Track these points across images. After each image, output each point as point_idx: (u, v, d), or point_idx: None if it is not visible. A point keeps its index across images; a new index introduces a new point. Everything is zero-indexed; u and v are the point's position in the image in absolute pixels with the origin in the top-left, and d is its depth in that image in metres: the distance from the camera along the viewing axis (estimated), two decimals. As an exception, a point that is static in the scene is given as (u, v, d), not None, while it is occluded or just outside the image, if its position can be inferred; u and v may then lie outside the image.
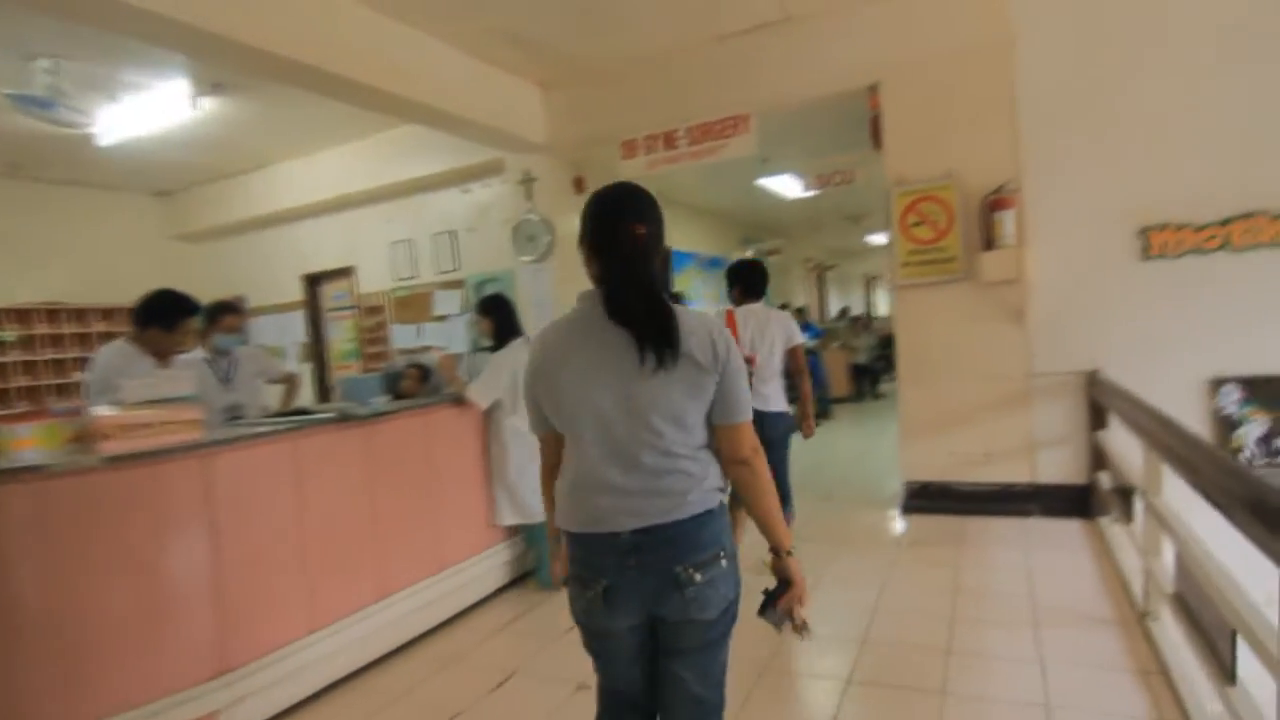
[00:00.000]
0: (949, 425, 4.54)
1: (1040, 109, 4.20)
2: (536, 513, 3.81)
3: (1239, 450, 3.91)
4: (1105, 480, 4.07)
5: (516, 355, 3.77)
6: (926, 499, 4.62)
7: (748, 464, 1.49)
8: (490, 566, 3.84)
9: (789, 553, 1.52)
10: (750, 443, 1.49)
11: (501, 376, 3.72)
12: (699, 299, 8.56)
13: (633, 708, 1.59)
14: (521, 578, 4.00)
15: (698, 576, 1.44)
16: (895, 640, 2.98)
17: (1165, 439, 2.61)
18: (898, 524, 4.52)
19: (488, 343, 3.89)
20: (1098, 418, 4.13)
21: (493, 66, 5.18)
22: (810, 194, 7.86)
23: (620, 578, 1.45)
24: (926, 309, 4.55)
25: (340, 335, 7.55)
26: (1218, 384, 3.92)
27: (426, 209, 6.74)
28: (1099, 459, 4.15)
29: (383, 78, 4.23)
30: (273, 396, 4.31)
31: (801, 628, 1.52)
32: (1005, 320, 4.36)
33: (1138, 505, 3.18)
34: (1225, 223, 3.86)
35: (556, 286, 5.82)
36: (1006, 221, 4.19)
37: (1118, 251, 4.10)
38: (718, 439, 1.50)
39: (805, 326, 9.56)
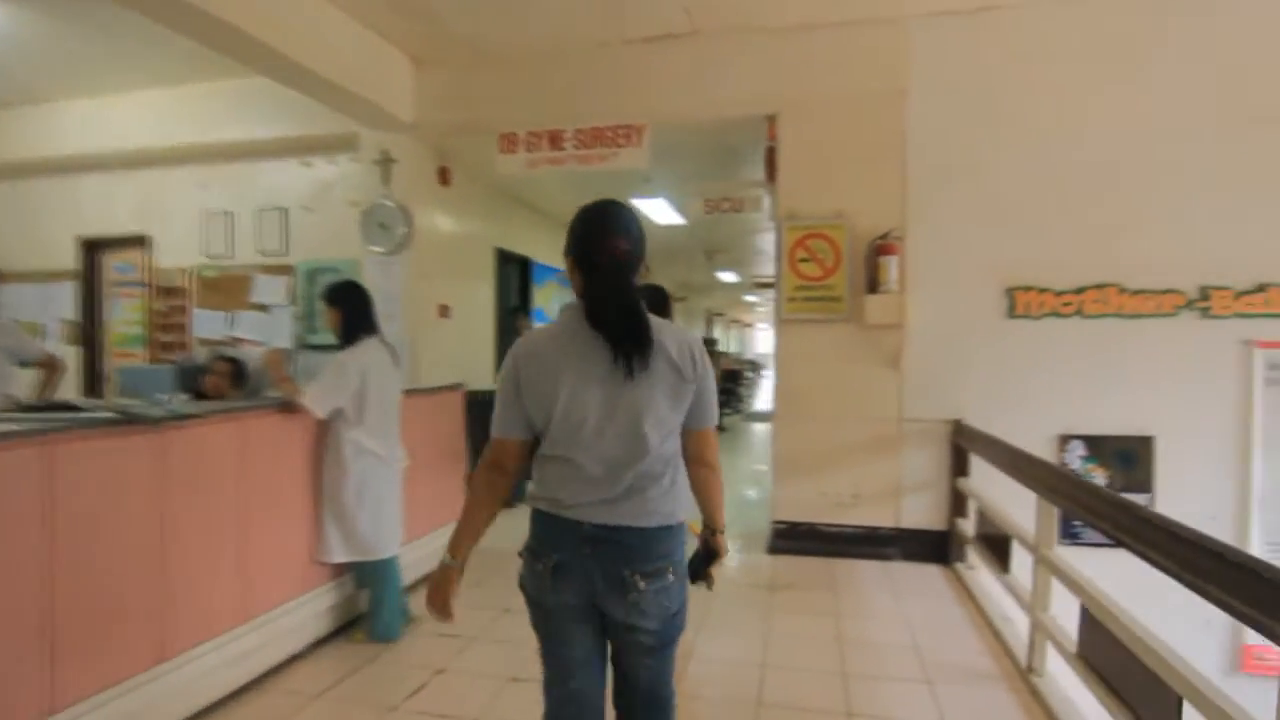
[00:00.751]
0: (822, 465, 4.47)
1: (926, 160, 4.32)
2: (375, 547, 3.17)
3: (1078, 503, 4.16)
4: (964, 526, 4.17)
5: (368, 356, 3.13)
6: (794, 539, 4.50)
7: (710, 466, 1.66)
8: (311, 614, 3.12)
9: (722, 532, 1.73)
10: (715, 447, 1.67)
11: (348, 380, 3.06)
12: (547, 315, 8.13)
13: (574, 695, 1.61)
14: (347, 626, 3.29)
15: (642, 584, 1.51)
16: (792, 703, 2.71)
17: (1070, 491, 2.59)
18: (765, 566, 4.34)
19: (325, 338, 3.19)
20: (960, 465, 4.24)
21: (367, 28, 4.50)
22: (682, 222, 7.79)
23: (571, 558, 1.53)
24: (809, 346, 4.48)
25: (123, 316, 6.20)
26: (1065, 440, 4.17)
27: (254, 179, 5.74)
28: (958, 505, 4.25)
29: (236, 11, 3.44)
30: (27, 384, 3.29)
31: (709, 583, 1.74)
32: (883, 364, 4.39)
33: (1018, 556, 3.21)
34: (1080, 290, 4.14)
35: (411, 283, 5.14)
36: (891, 267, 4.23)
37: (987, 307, 4.28)
38: (688, 443, 1.62)
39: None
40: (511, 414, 1.58)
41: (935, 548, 4.32)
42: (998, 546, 3.46)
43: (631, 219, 1.61)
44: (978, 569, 4.13)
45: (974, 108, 4.27)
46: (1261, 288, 3.94)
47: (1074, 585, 2.48)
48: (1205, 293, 4.00)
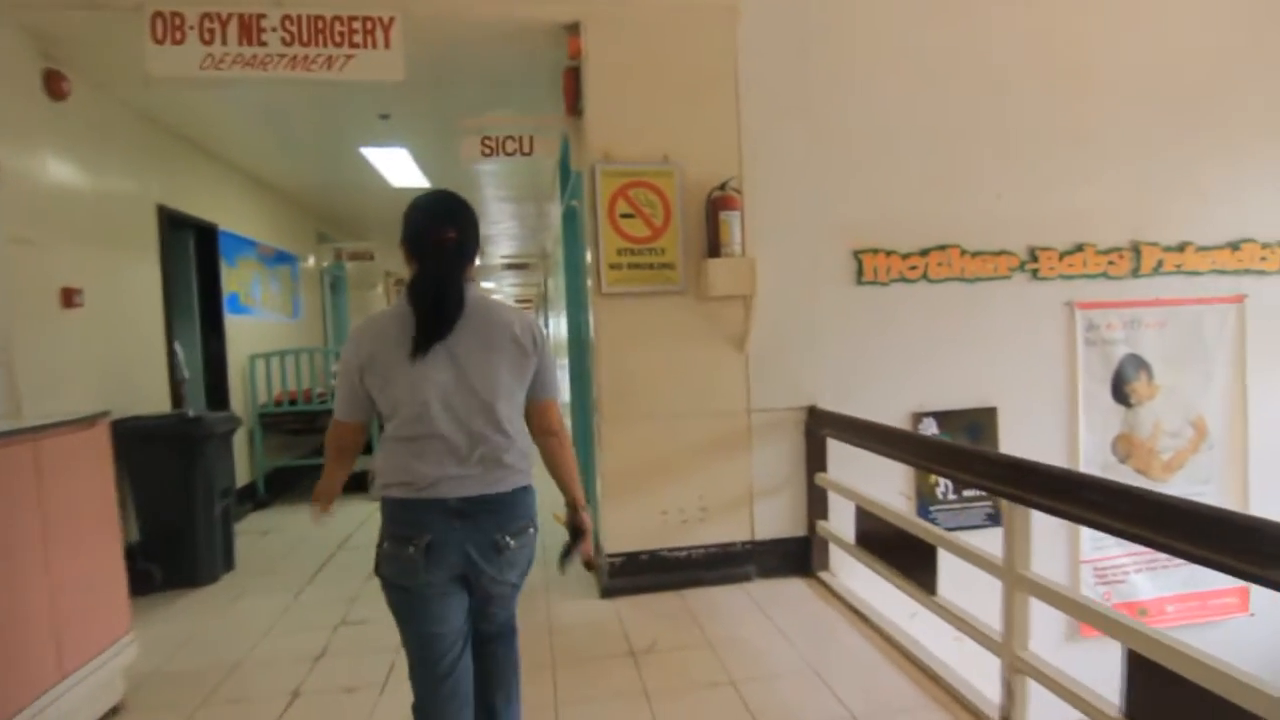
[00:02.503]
0: (660, 476, 3.54)
1: (760, 99, 3.57)
2: None
3: (935, 485, 3.80)
4: (827, 529, 3.56)
5: None
6: (634, 574, 3.52)
7: (556, 435, 1.79)
8: None
9: (584, 508, 1.83)
10: (558, 417, 1.79)
11: None
12: (259, 306, 6.12)
13: (450, 669, 1.65)
14: None
15: (513, 543, 1.66)
16: None
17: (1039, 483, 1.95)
18: (608, 618, 3.30)
19: None
20: (817, 458, 3.62)
21: None
22: (424, 184, 6.29)
23: (443, 535, 1.59)
24: (638, 326, 3.50)
25: None
26: (919, 417, 3.76)
27: None
28: (818, 505, 3.63)
29: None
30: None
31: (591, 565, 1.94)
32: (726, 344, 3.57)
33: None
34: (925, 253, 3.74)
35: (2, 251, 3.09)
36: (734, 225, 3.41)
37: (834, 273, 3.69)
38: (531, 414, 1.75)
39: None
40: (353, 397, 1.66)
41: (794, 558, 3.66)
42: (902, 554, 2.84)
43: (462, 209, 1.70)
44: (842, 576, 3.55)
45: (811, 36, 3.62)
46: (1079, 247, 3.88)
47: (1111, 625, 1.83)
48: (1034, 254, 3.84)
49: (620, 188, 3.43)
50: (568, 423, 3.08)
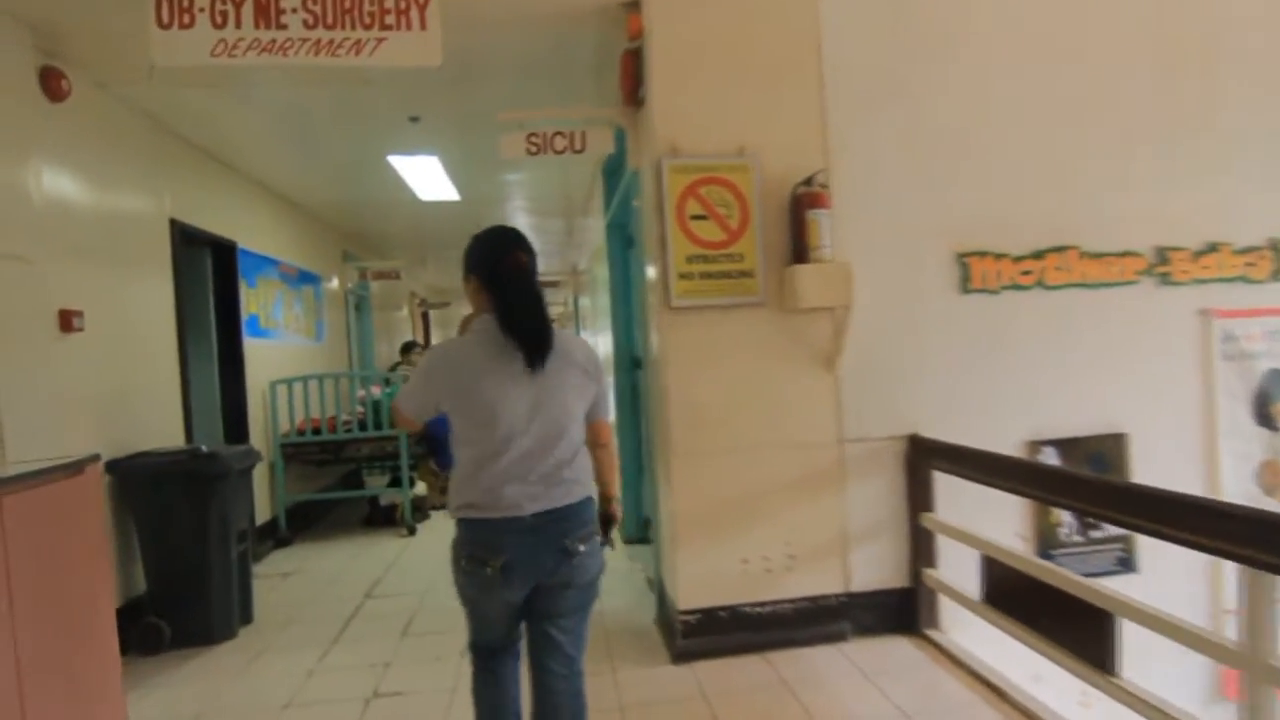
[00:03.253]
0: (739, 519, 3.04)
1: (847, 82, 3.11)
2: None
3: (1057, 525, 3.26)
4: (935, 579, 3.03)
5: None
6: (711, 633, 3.01)
7: (606, 448, 1.96)
8: None
9: (617, 499, 2.01)
10: (609, 432, 1.98)
11: None
12: (281, 328, 5.73)
13: (504, 650, 1.89)
14: None
15: (581, 547, 1.75)
16: None
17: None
18: (686, 690, 2.79)
19: None
20: (921, 495, 3.10)
21: None
22: (454, 197, 5.90)
23: (518, 554, 1.69)
24: (710, 345, 3.02)
25: None
26: (1036, 446, 3.23)
27: None
28: (924, 550, 3.10)
29: None
30: None
31: (610, 544, 1.96)
32: (813, 364, 3.09)
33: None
34: (1040, 255, 3.23)
35: (-22, 271, 2.70)
36: (824, 225, 2.94)
37: (936, 280, 3.19)
38: (591, 431, 1.89)
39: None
40: (424, 406, 1.81)
41: (897, 613, 3.13)
42: (1057, 618, 2.31)
43: (523, 236, 1.83)
44: (954, 634, 3.02)
45: (906, 10, 3.16)
46: (1213, 247, 3.36)
47: None
48: (1163, 254, 3.32)
49: (690, 185, 2.98)
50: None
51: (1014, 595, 2.57)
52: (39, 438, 2.82)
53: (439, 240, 8.73)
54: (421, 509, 5.96)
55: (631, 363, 4.89)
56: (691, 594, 3.02)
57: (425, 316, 12.69)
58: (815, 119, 3.08)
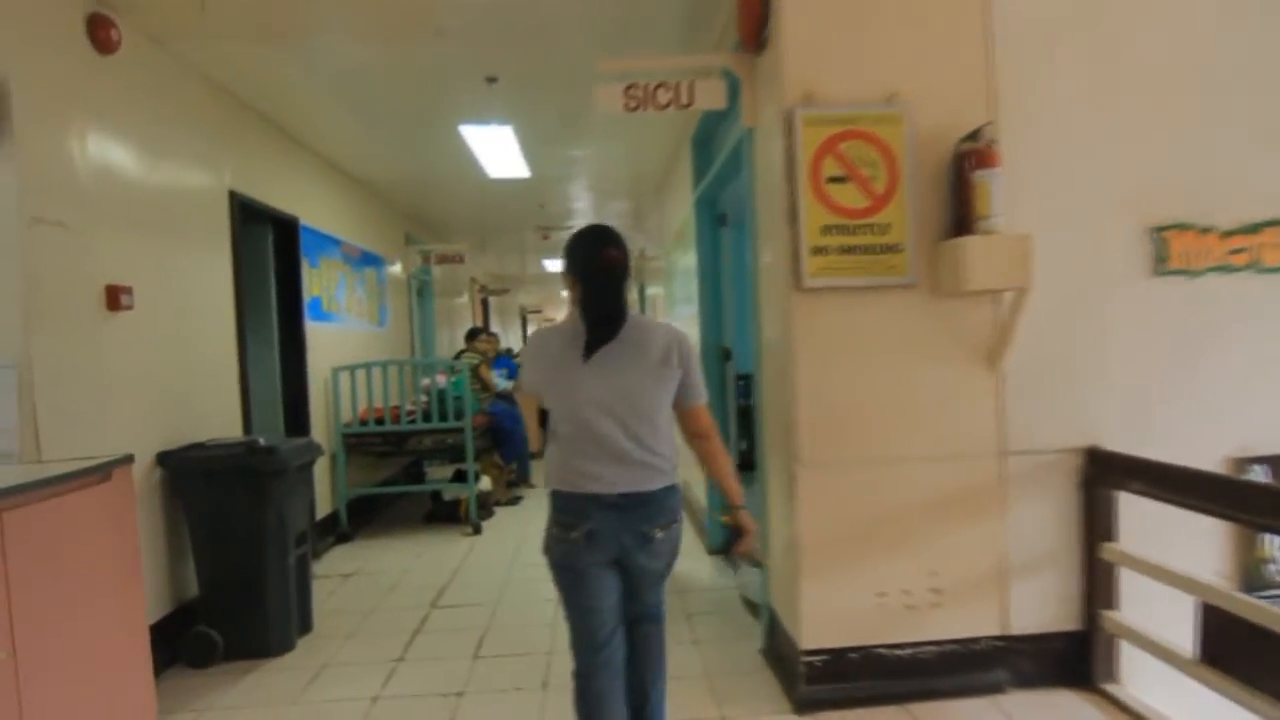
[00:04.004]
0: (876, 544, 2.54)
1: (1018, 15, 2.54)
2: None
3: (1266, 561, 2.66)
4: (1116, 622, 2.47)
5: None
6: (840, 679, 2.52)
7: (707, 437, 1.93)
8: None
9: (741, 506, 1.94)
10: (708, 420, 1.93)
11: None
12: (344, 312, 5.43)
13: (605, 641, 1.87)
14: None
15: (659, 534, 1.83)
16: None
17: None
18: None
19: None
20: (1101, 521, 2.54)
21: None
22: (524, 174, 5.49)
23: (601, 524, 1.79)
24: (847, 334, 2.52)
25: None
26: (1241, 464, 2.63)
27: None
28: (1102, 587, 2.55)
29: None
30: None
31: (756, 561, 2.15)
32: (970, 360, 2.55)
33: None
34: (1255, 229, 2.61)
35: (24, 234, 2.38)
36: (994, 189, 2.38)
37: (1122, 258, 2.61)
38: (683, 419, 1.92)
39: (500, 360, 7.05)
40: (532, 385, 1.90)
41: (1065, 662, 2.58)
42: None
43: (618, 235, 1.87)
44: (1137, 689, 2.47)
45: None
46: None
47: None
48: None
49: (828, 140, 2.46)
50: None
51: (1238, 650, 2.02)
52: (79, 429, 2.51)
53: (501, 223, 8.38)
54: (486, 506, 5.62)
55: (720, 355, 4.41)
56: (817, 631, 2.53)
57: (485, 303, 12.43)
58: (980, 60, 2.53)
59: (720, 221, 4.36)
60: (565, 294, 2.00)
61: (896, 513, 2.54)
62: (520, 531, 5.18)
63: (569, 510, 1.81)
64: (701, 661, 2.96)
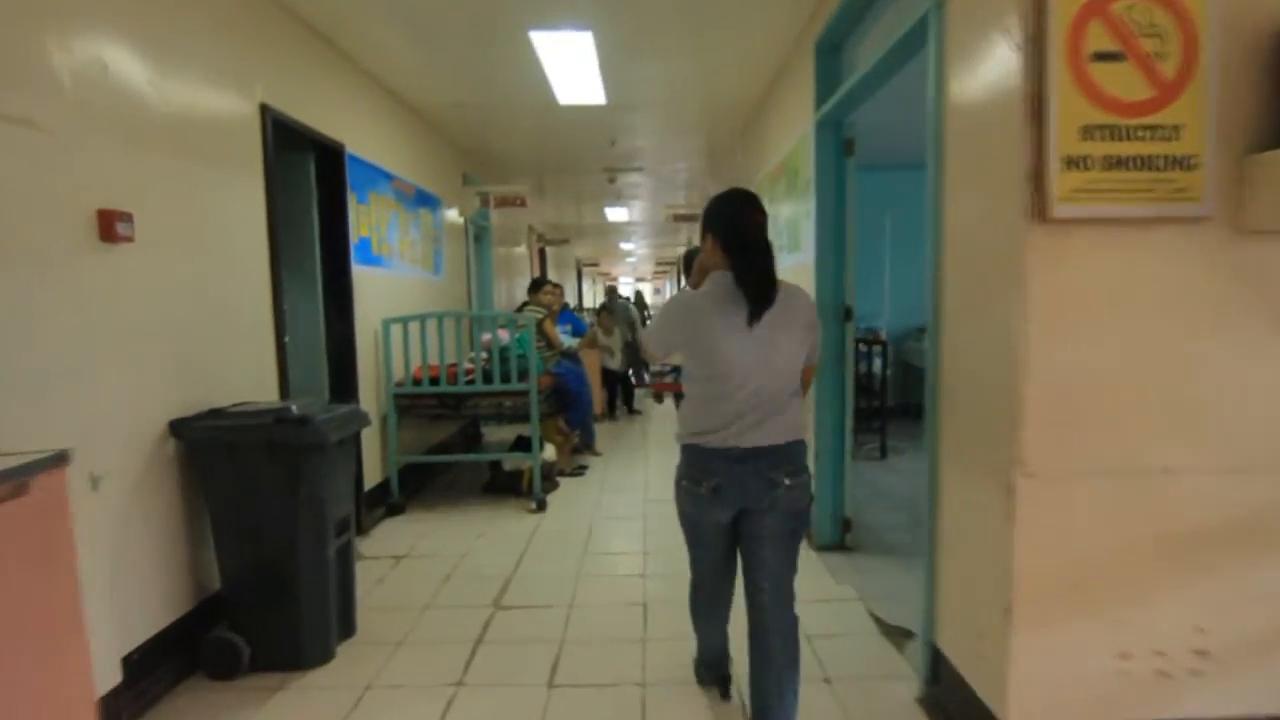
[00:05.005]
0: (1120, 583, 1.80)
1: None
2: None
3: None
4: None
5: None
6: (1060, 771, 1.82)
7: (807, 386, 2.06)
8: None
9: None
10: (811, 375, 2.07)
11: None
12: (396, 257, 4.82)
13: (721, 579, 2.09)
14: None
15: (786, 481, 1.88)
16: None
17: None
18: None
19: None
20: None
21: None
22: (599, 100, 4.72)
23: (728, 479, 1.88)
24: (1108, 287, 1.73)
25: None
26: None
27: None
28: None
29: None
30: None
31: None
32: (1275, 330, 1.74)
33: None
34: None
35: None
36: (1357, 69, 1.55)
37: None
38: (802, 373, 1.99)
39: (564, 314, 6.41)
40: (669, 345, 1.99)
41: (1391, 764, 1.82)
42: None
43: (759, 199, 1.98)
44: None
45: None
46: None
47: None
48: None
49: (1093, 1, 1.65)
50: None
51: None
52: (47, 398, 1.92)
53: (564, 164, 7.62)
54: (549, 477, 5.03)
55: (840, 315, 3.64)
56: (1032, 702, 1.82)
57: (543, 254, 11.78)
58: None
59: (846, 150, 3.54)
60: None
61: (1155, 545, 1.79)
62: (590, 509, 4.58)
63: (699, 465, 1.91)
64: (840, 710, 2.30)
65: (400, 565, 3.67)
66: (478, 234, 7.50)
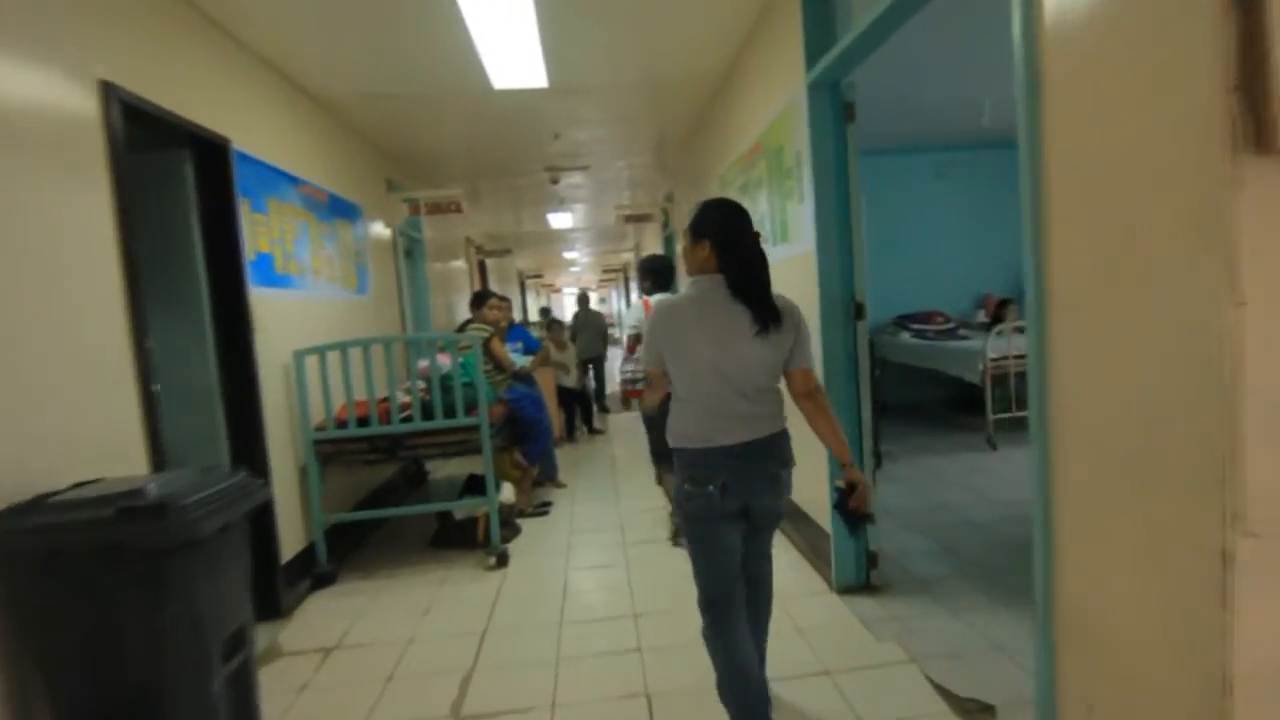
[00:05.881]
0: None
1: None
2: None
3: None
4: None
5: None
6: None
7: (812, 398, 2.02)
8: None
9: (851, 463, 2.01)
10: (814, 381, 2.03)
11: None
12: (308, 275, 4.05)
13: (735, 581, 2.03)
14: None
15: (784, 473, 2.02)
16: None
17: None
18: None
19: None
20: None
21: None
22: (540, 83, 4.07)
23: (731, 475, 1.92)
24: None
25: None
26: None
27: None
28: None
29: None
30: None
31: (868, 517, 2.04)
32: None
33: None
34: None
35: None
36: None
37: None
38: (792, 379, 2.02)
39: (513, 331, 5.71)
40: (657, 357, 2.00)
41: None
42: None
43: (747, 212, 2.02)
44: None
45: None
46: None
47: None
48: None
49: None
50: None
51: None
52: None
53: (501, 164, 6.91)
54: (509, 522, 4.32)
55: (849, 312, 3.07)
56: None
57: (482, 266, 10.97)
58: None
59: (846, 115, 2.98)
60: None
61: None
62: (560, 559, 3.89)
63: (703, 465, 1.94)
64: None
65: (329, 661, 2.91)
66: (409, 247, 6.71)
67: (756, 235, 1.96)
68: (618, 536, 4.23)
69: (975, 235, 7.24)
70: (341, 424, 3.79)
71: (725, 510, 1.93)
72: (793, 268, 3.38)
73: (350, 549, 4.21)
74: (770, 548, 2.17)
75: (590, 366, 8.25)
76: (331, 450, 3.80)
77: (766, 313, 1.90)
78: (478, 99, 4.63)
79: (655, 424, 3.69)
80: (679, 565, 3.37)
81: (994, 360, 5.56)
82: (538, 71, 4.16)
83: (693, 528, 2.01)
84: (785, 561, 3.53)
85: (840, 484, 2.01)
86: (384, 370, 4.06)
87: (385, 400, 3.91)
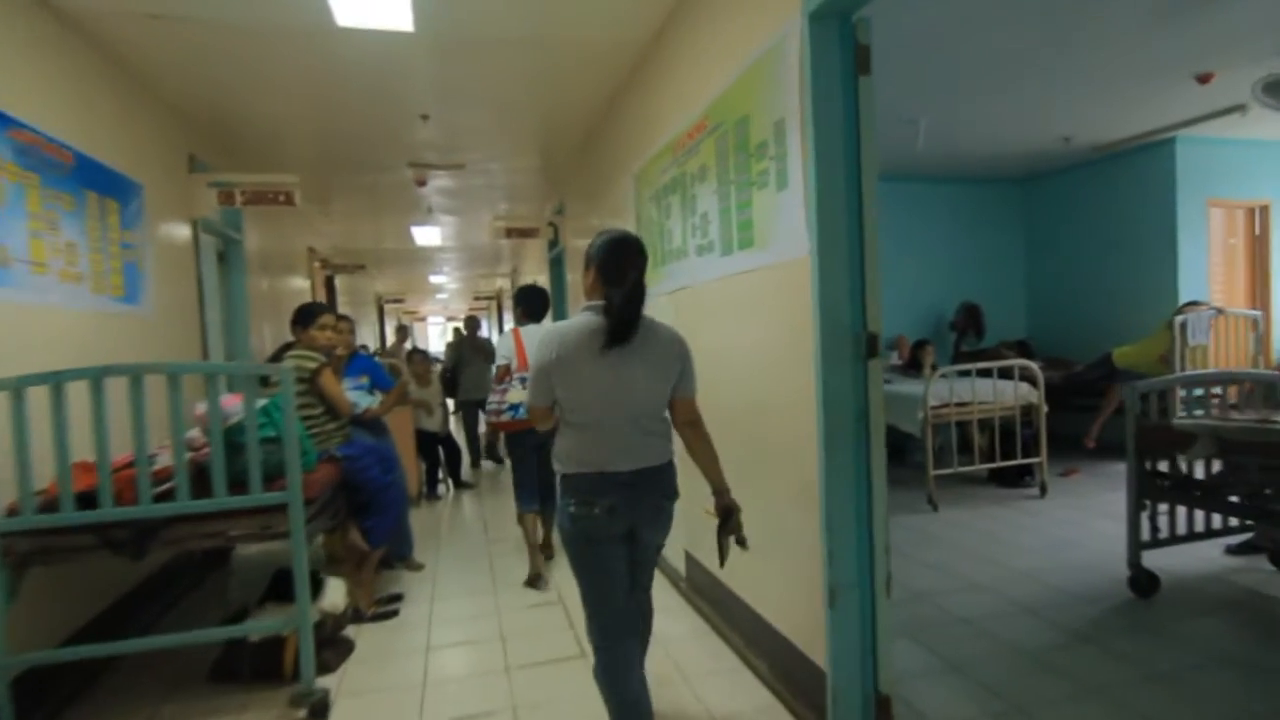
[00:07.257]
0: None
1: None
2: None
3: None
4: None
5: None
6: None
7: (693, 426, 2.05)
8: None
9: (725, 489, 2.06)
10: (696, 410, 2.06)
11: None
12: (25, 270, 2.59)
13: (625, 606, 2.02)
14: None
15: (666, 504, 2.03)
16: None
17: None
18: None
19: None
20: None
21: None
22: (405, 27, 2.95)
23: (619, 499, 1.92)
24: None
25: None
26: None
27: None
28: None
29: None
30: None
31: (743, 543, 2.01)
32: None
33: None
34: None
35: None
36: None
37: None
38: (676, 408, 2.04)
39: (357, 361, 4.35)
40: (546, 391, 1.96)
41: None
42: None
43: (641, 248, 2.01)
44: None
45: None
46: None
47: None
48: None
49: None
50: None
51: None
52: None
53: (352, 151, 5.52)
54: (334, 638, 2.99)
55: (860, 348, 2.13)
56: None
57: (330, 284, 9.30)
58: None
59: (859, 64, 2.07)
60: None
61: None
62: (413, 694, 2.63)
63: (590, 489, 1.93)
64: None
65: None
66: (223, 251, 5.18)
67: (639, 265, 1.94)
68: (497, 652, 3.01)
69: (886, 271, 6.75)
70: (50, 504, 2.35)
71: (612, 532, 1.95)
72: (761, 284, 2.42)
73: (75, 695, 2.70)
74: (651, 582, 2.16)
75: (480, 411, 6.62)
76: (28, 549, 2.34)
77: (615, 335, 1.89)
78: (315, 42, 3.38)
79: (519, 456, 3.75)
80: (594, 705, 2.23)
81: (934, 408, 4.91)
82: (400, 7, 3.00)
83: (580, 553, 2.00)
84: (751, 702, 2.48)
85: (709, 510, 2.06)
86: (130, 416, 2.61)
87: (130, 466, 2.49)
